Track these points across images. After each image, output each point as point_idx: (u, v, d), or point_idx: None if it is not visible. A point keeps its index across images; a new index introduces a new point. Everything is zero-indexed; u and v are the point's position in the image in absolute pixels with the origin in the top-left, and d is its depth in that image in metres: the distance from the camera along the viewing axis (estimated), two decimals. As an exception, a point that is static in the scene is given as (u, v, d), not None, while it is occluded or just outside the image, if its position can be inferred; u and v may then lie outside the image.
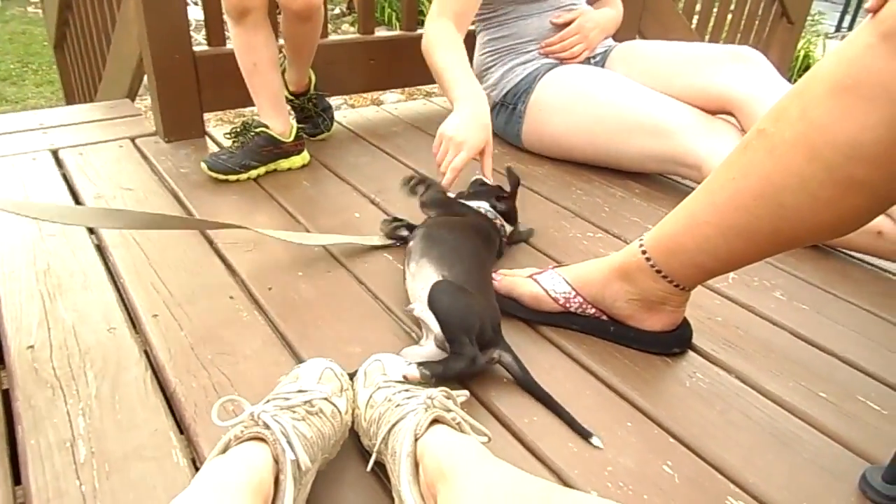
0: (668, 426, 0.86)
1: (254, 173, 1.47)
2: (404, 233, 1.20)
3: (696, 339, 1.02)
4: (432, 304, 0.89)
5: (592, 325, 1.01)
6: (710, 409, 0.90)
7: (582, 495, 0.60)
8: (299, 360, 0.93)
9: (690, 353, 1.01)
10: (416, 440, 0.66)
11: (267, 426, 0.63)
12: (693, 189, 0.89)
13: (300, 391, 0.72)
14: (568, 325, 1.02)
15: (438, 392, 0.72)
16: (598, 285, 0.98)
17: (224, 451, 0.63)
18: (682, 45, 1.66)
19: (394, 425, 0.69)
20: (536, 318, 1.03)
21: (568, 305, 1.00)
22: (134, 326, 1.00)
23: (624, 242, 1.31)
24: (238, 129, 1.49)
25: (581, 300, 1.00)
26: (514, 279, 1.04)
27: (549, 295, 1.00)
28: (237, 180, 1.45)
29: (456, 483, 0.59)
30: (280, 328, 0.99)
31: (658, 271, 0.92)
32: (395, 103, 2.07)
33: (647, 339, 0.98)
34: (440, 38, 1.43)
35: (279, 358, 0.93)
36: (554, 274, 1.02)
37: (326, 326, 1.00)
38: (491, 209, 1.21)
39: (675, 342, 0.99)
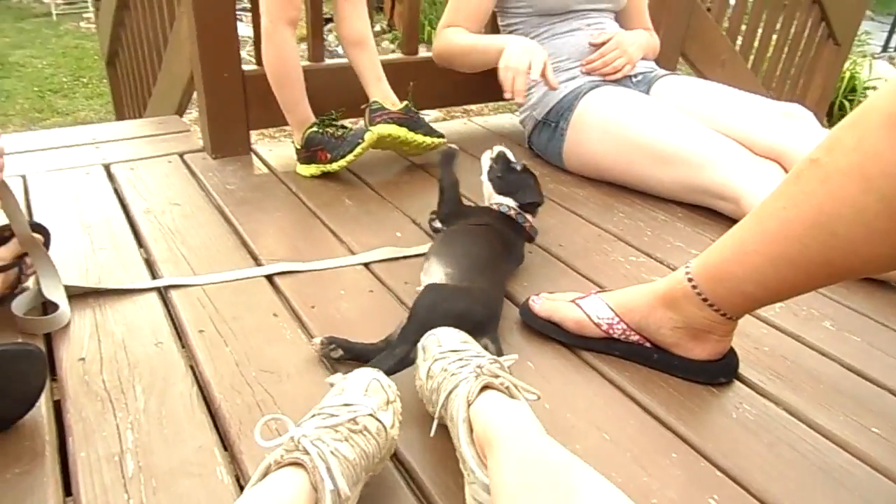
0: (714, 458, 0.84)
1: (359, 150, 1.52)
2: (437, 225, 1.31)
3: (742, 369, 1.00)
4: (413, 304, 0.98)
5: (635, 352, 0.99)
6: (758, 441, 0.88)
7: (601, 479, 0.62)
8: (341, 380, 0.94)
9: (737, 383, 0.99)
10: (469, 406, 0.72)
11: (306, 451, 0.62)
12: (734, 220, 0.88)
13: (345, 405, 0.72)
14: (610, 352, 1.01)
15: (487, 360, 0.77)
16: (642, 312, 0.97)
17: (264, 475, 0.63)
18: (734, 90, 1.65)
19: (450, 393, 0.76)
20: (578, 343, 1.02)
21: (611, 331, 0.99)
22: (180, 341, 1.02)
23: (667, 267, 1.29)
24: (325, 124, 1.55)
25: (624, 326, 0.98)
26: (557, 303, 1.04)
27: (592, 320, 1.00)
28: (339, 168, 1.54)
29: (497, 452, 0.65)
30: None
31: (704, 299, 0.90)
32: (434, 123, 2.08)
33: (692, 368, 0.96)
34: (452, 35, 1.58)
35: (321, 377, 0.94)
36: (597, 299, 1.01)
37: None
38: (515, 206, 1.22)
39: (721, 372, 0.98)
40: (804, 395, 0.97)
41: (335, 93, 1.62)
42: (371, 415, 0.72)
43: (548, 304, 1.05)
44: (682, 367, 0.97)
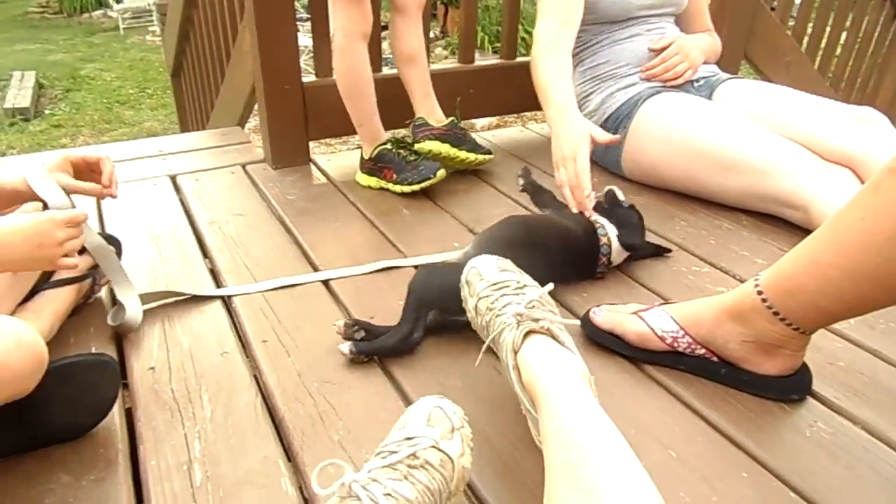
0: (788, 479, 0.81)
1: (441, 173, 1.54)
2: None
3: (816, 386, 0.95)
4: (409, 285, 1.04)
5: (702, 367, 0.96)
6: (835, 462, 0.84)
7: (631, 456, 0.67)
8: (399, 390, 0.94)
9: (810, 400, 0.94)
10: (515, 354, 0.80)
11: (358, 498, 0.61)
12: (802, 228, 0.85)
13: (407, 439, 0.68)
14: (675, 366, 0.98)
15: (525, 307, 0.83)
16: (708, 325, 0.94)
17: None
18: (801, 93, 1.59)
19: (498, 336, 0.83)
20: (641, 356, 1.00)
21: (676, 345, 0.96)
22: (245, 350, 1.04)
23: (732, 278, 1.25)
24: (399, 146, 1.58)
25: (690, 340, 0.96)
26: (619, 316, 1.02)
27: (656, 333, 0.97)
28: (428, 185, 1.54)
29: (542, 413, 0.73)
30: (382, 358, 1.01)
31: (775, 313, 0.87)
32: (489, 130, 2.08)
33: (763, 384, 0.93)
34: (547, 57, 1.50)
35: (381, 388, 0.94)
36: (661, 311, 0.99)
37: (427, 357, 1.01)
38: (607, 226, 1.22)
39: (793, 388, 0.94)
40: (884, 414, 0.92)
41: (389, 103, 1.63)
42: (434, 446, 0.68)
43: (610, 316, 1.02)
44: (751, 382, 0.93)
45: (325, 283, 1.21)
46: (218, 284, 1.22)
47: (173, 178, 1.67)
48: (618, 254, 1.22)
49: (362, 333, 1.01)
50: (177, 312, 1.12)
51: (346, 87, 1.54)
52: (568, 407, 0.72)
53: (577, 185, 1.27)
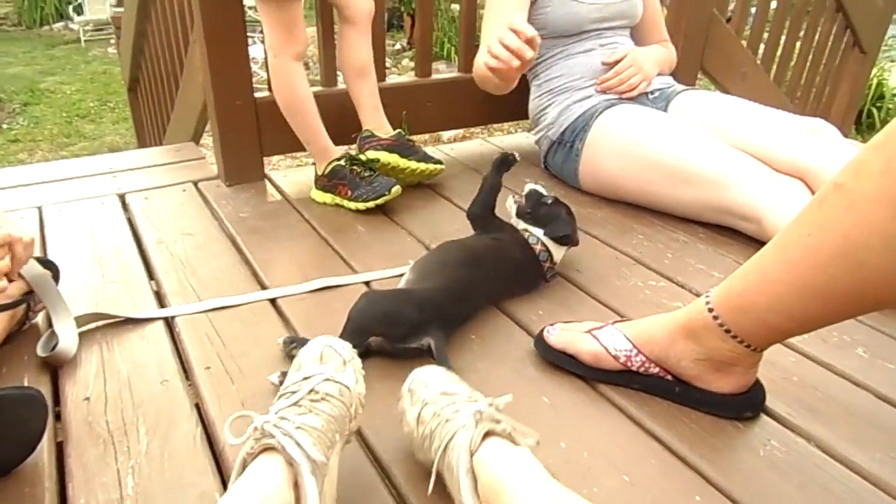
0: (742, 501, 0.79)
1: (397, 189, 1.51)
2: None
3: (769, 402, 0.95)
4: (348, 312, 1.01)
5: (656, 386, 0.95)
6: (788, 482, 0.82)
7: None
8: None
9: (764, 417, 0.93)
10: (472, 455, 0.68)
11: (272, 435, 0.65)
12: (757, 241, 0.84)
13: (304, 379, 0.74)
14: (629, 385, 0.97)
15: (485, 404, 0.73)
16: (661, 343, 0.92)
17: (242, 469, 0.66)
18: (755, 105, 1.60)
19: (448, 442, 0.72)
20: (595, 375, 0.98)
21: (629, 364, 0.95)
22: (187, 378, 1.00)
23: (688, 292, 1.25)
24: (353, 162, 1.54)
25: (643, 358, 0.94)
26: (572, 335, 1.00)
27: (610, 353, 0.95)
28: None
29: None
30: (330, 382, 0.97)
31: (727, 331, 0.86)
32: (451, 143, 2.06)
33: (716, 402, 0.92)
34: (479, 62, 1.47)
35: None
36: (614, 330, 0.97)
37: (380, 379, 0.98)
38: (543, 240, 1.21)
39: (746, 405, 0.93)
40: (837, 430, 0.91)
41: (341, 118, 1.61)
42: (328, 379, 0.74)
43: (563, 335, 1.01)
44: (705, 401, 0.92)
45: (274, 303, 1.18)
46: (162, 307, 1.17)
47: (122, 197, 1.61)
48: (558, 253, 1.22)
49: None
50: (117, 338, 1.08)
51: (285, 106, 1.52)
52: (548, 492, 0.64)
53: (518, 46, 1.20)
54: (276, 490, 0.62)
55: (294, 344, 1.01)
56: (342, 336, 0.97)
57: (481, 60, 1.30)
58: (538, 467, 0.67)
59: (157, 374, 0.99)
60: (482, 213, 1.25)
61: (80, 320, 1.07)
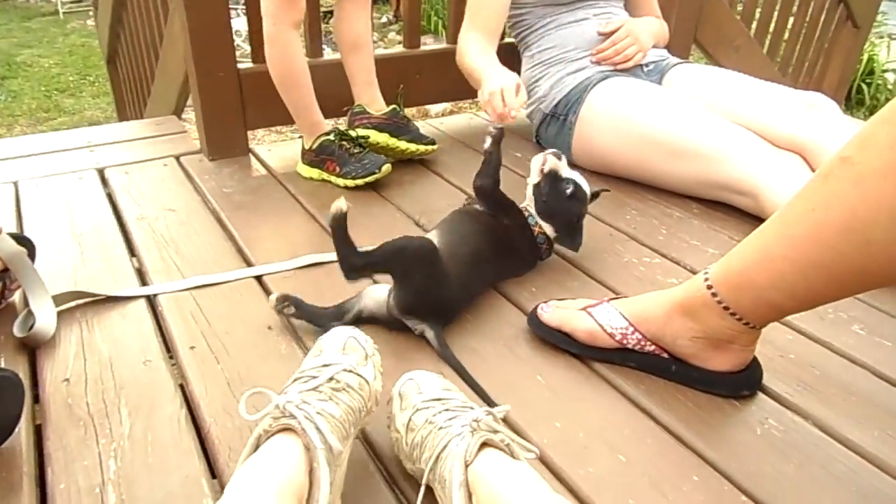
0: (739, 481, 0.78)
1: (387, 167, 1.48)
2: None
3: (766, 380, 0.93)
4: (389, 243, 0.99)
5: (652, 364, 0.93)
6: (786, 461, 0.81)
7: None
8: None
9: (761, 395, 0.92)
10: (467, 467, 0.64)
11: (293, 416, 0.63)
12: (752, 216, 0.81)
13: (325, 365, 0.72)
14: (625, 363, 0.95)
15: (483, 412, 0.68)
16: (658, 321, 0.90)
17: (256, 447, 0.64)
18: (751, 79, 1.58)
19: (440, 451, 0.67)
20: (590, 353, 0.96)
21: (625, 342, 0.93)
22: (171, 358, 0.97)
23: (683, 268, 1.23)
24: (342, 138, 1.50)
25: (639, 336, 0.92)
26: (567, 312, 0.98)
27: (605, 330, 0.93)
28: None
29: None
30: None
31: (726, 308, 0.84)
32: (441, 118, 2.02)
33: (713, 380, 0.90)
34: (470, 47, 1.51)
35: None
36: (609, 307, 0.95)
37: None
38: (549, 234, 1.17)
39: (743, 384, 0.91)
40: (835, 409, 0.90)
41: (333, 89, 1.56)
42: (351, 371, 0.72)
43: (557, 312, 0.98)
44: (702, 379, 0.91)
45: (259, 280, 1.14)
46: (144, 285, 1.14)
47: (101, 172, 1.56)
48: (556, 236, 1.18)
49: (292, 309, 1.01)
50: (97, 317, 1.04)
51: (279, 77, 1.46)
52: (546, 499, 0.60)
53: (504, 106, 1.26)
54: (291, 472, 0.60)
55: (287, 303, 1.01)
56: (368, 251, 0.98)
57: (485, 91, 1.31)
58: (541, 483, 0.63)
59: (139, 355, 0.96)
60: (491, 186, 1.17)
61: (59, 299, 1.03)
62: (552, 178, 1.15)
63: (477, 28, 1.55)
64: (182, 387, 0.91)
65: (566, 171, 1.16)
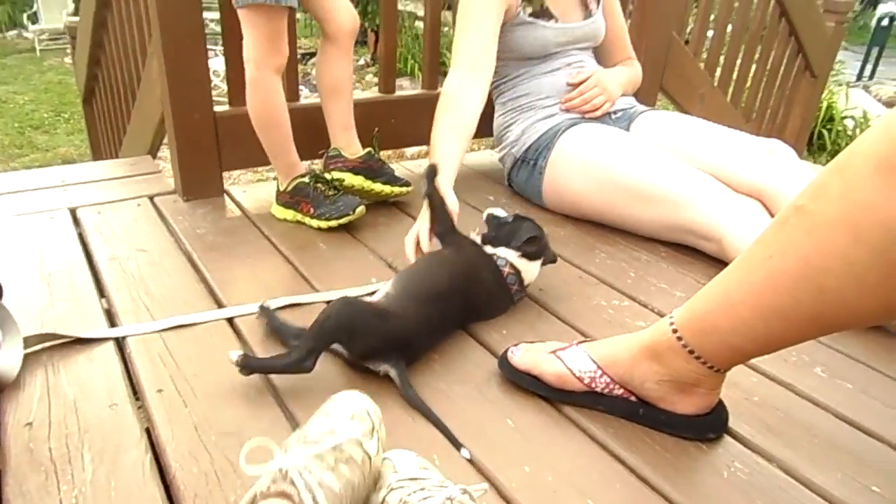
0: (706, 525, 0.79)
1: (361, 209, 1.49)
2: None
3: (732, 423, 0.95)
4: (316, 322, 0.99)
5: (620, 407, 0.94)
6: (752, 505, 0.82)
7: None
8: (307, 443, 0.88)
9: (727, 438, 0.93)
10: None
11: (293, 483, 0.62)
12: (718, 260, 0.84)
13: (331, 431, 0.70)
14: (593, 406, 0.96)
15: (458, 490, 0.67)
16: (625, 364, 0.92)
17: None
18: (715, 126, 1.64)
19: None
20: (559, 397, 0.97)
21: (593, 385, 0.94)
22: (137, 401, 0.96)
23: (651, 311, 1.25)
24: (317, 180, 1.51)
25: (608, 380, 0.93)
26: (536, 355, 0.99)
27: (574, 373, 0.95)
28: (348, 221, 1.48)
29: None
30: (289, 406, 0.94)
31: (690, 352, 0.86)
32: (415, 160, 2.05)
33: (680, 424, 0.91)
34: (449, 106, 1.47)
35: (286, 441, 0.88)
36: (579, 350, 0.96)
37: (337, 404, 0.95)
38: (512, 261, 1.18)
39: (710, 427, 0.93)
40: (799, 451, 0.92)
41: (307, 132, 1.58)
42: (358, 443, 0.70)
43: (527, 355, 0.99)
44: (669, 422, 0.92)
45: (231, 322, 1.14)
46: (113, 326, 1.13)
47: (73, 211, 1.55)
48: (528, 274, 1.20)
49: (264, 319, 1.09)
50: (63, 360, 1.02)
51: (259, 120, 1.48)
52: None
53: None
54: None
55: (267, 319, 1.08)
56: (305, 335, 0.98)
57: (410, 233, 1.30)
58: None
59: (105, 398, 0.95)
60: (450, 230, 1.24)
61: (26, 342, 1.01)
62: (491, 220, 1.24)
63: (460, 65, 1.52)
64: (148, 431, 0.90)
65: (497, 211, 1.26)
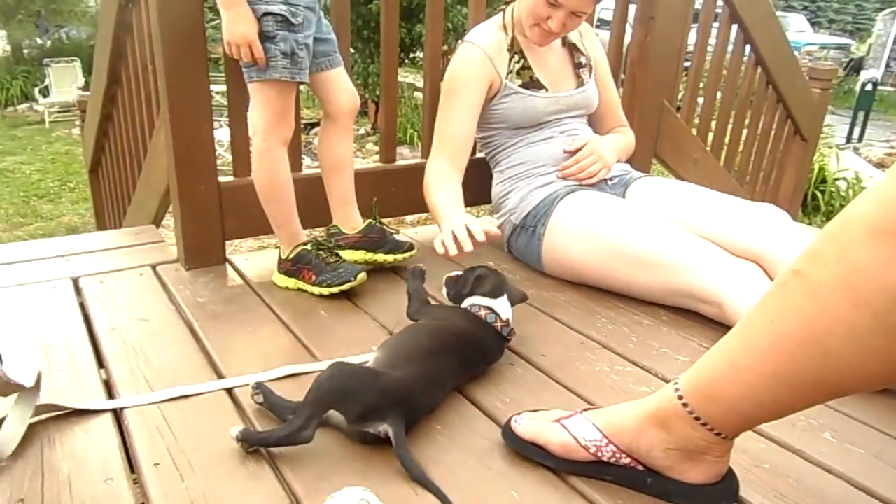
0: None
1: (363, 276, 1.50)
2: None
3: (743, 491, 0.93)
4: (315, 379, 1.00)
5: (627, 477, 0.92)
6: (766, 579, 0.80)
7: None
8: (307, 518, 0.86)
9: (738, 508, 0.91)
10: None
11: None
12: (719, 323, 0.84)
13: None
14: (600, 476, 0.94)
15: None
16: (632, 433, 0.90)
17: None
18: (710, 191, 1.67)
19: None
20: (565, 467, 0.95)
21: (600, 454, 0.92)
22: (134, 476, 0.94)
23: (654, 377, 1.24)
24: (319, 248, 1.54)
25: (614, 448, 0.92)
26: (540, 424, 0.97)
27: (579, 443, 0.93)
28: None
29: None
30: (286, 478, 0.92)
31: (697, 419, 0.84)
32: (415, 227, 2.07)
33: (690, 494, 0.89)
34: (434, 183, 1.61)
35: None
36: (583, 419, 0.95)
37: (338, 476, 0.93)
38: (485, 304, 1.22)
39: (721, 496, 0.90)
40: (811, 521, 0.89)
41: (312, 201, 1.60)
42: None
43: (531, 425, 0.98)
44: (678, 492, 0.90)
45: (231, 394, 1.13)
46: (111, 398, 1.11)
47: (75, 281, 1.56)
48: (502, 310, 1.24)
49: (261, 398, 1.05)
50: (59, 432, 1.01)
51: (265, 190, 1.50)
52: None
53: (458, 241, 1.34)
54: None
55: (258, 391, 1.05)
56: (303, 404, 0.97)
57: (438, 239, 1.39)
58: None
59: (100, 473, 0.93)
60: (421, 308, 1.29)
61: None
62: (448, 282, 1.31)
63: (443, 155, 1.65)
64: (144, 508, 0.88)
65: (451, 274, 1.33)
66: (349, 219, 1.62)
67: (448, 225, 1.41)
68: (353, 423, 0.98)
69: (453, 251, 1.34)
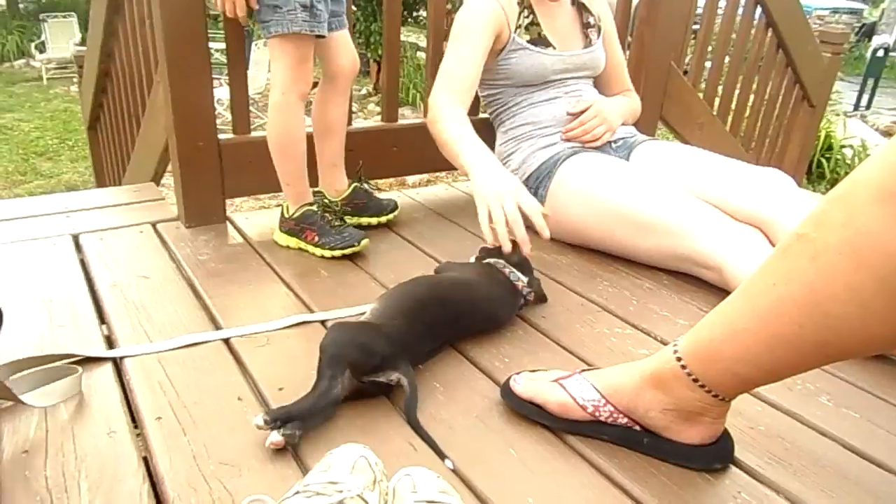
0: (713, 558, 0.77)
1: (366, 242, 1.51)
2: None
3: (738, 452, 0.93)
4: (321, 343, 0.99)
5: (624, 437, 0.93)
6: (759, 537, 0.81)
7: None
8: (307, 473, 0.87)
9: (733, 468, 0.92)
10: None
11: None
12: (720, 288, 0.83)
13: (331, 483, 0.69)
14: (597, 436, 0.95)
15: None
16: (629, 393, 0.91)
17: None
18: (714, 155, 1.65)
19: None
20: (563, 426, 0.96)
21: (597, 414, 0.93)
22: (136, 429, 0.95)
23: (654, 339, 1.24)
24: (326, 209, 1.55)
25: (612, 409, 0.92)
26: (539, 384, 0.98)
27: (577, 402, 0.94)
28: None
29: None
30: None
31: (695, 380, 0.85)
32: (416, 188, 2.06)
33: (686, 454, 0.90)
34: (445, 114, 1.52)
35: (286, 471, 0.86)
36: (582, 379, 0.95)
37: (339, 434, 0.94)
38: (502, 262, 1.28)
39: (716, 457, 0.91)
40: (806, 482, 0.90)
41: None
42: (359, 496, 0.68)
43: (530, 384, 0.99)
44: (674, 452, 0.91)
45: (231, 350, 1.13)
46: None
47: (75, 238, 1.56)
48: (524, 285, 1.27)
49: (289, 430, 0.89)
50: (62, 387, 1.02)
51: (278, 145, 1.49)
52: None
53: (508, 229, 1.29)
54: None
55: (277, 421, 0.89)
56: (320, 368, 0.96)
57: (484, 219, 1.31)
58: None
59: (103, 425, 0.94)
60: (444, 269, 1.35)
61: (22, 364, 1.00)
62: (482, 250, 1.34)
63: (449, 88, 1.56)
64: (146, 459, 0.89)
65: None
66: (335, 181, 1.62)
67: (495, 196, 1.30)
68: (369, 373, 0.98)
69: (507, 248, 1.27)
